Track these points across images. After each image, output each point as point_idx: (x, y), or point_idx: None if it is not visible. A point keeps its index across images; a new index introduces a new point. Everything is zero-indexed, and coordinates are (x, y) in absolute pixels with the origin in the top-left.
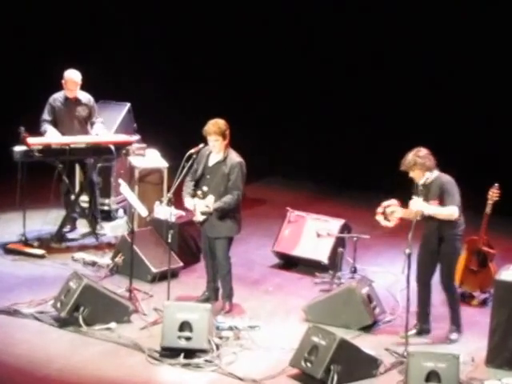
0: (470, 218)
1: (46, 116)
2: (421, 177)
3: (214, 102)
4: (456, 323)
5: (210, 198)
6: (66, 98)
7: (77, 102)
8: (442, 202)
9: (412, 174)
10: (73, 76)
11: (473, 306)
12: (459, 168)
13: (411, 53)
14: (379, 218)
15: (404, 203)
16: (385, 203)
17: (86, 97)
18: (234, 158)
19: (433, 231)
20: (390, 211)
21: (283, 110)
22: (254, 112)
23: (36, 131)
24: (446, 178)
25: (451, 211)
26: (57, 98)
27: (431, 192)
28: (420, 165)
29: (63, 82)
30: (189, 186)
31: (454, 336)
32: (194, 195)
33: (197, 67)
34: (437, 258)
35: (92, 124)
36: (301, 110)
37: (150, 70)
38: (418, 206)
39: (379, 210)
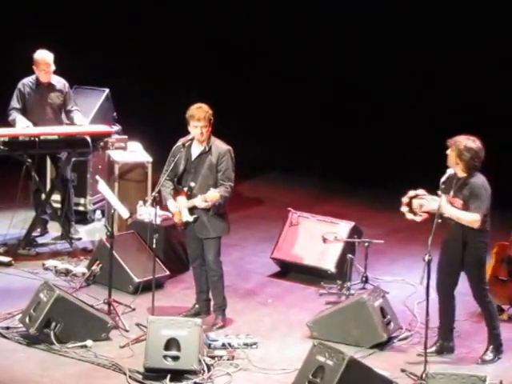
0: (500, 220)
1: (14, 104)
2: (454, 163)
3: (204, 89)
4: (494, 342)
5: (213, 192)
6: (38, 83)
7: (50, 87)
8: (467, 204)
9: (449, 153)
10: (45, 56)
11: (502, 320)
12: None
13: (422, 50)
14: (404, 209)
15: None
16: (411, 193)
17: (60, 82)
18: (221, 145)
19: (454, 236)
20: (418, 204)
21: (283, 95)
22: (248, 98)
23: (3, 121)
24: (480, 181)
25: (472, 218)
26: (27, 82)
27: (460, 189)
28: (462, 156)
29: (34, 64)
30: (168, 186)
31: (487, 356)
32: (175, 195)
33: (185, 51)
34: (459, 267)
35: (68, 113)
36: (305, 98)
37: (131, 52)
38: (439, 203)
39: (404, 199)
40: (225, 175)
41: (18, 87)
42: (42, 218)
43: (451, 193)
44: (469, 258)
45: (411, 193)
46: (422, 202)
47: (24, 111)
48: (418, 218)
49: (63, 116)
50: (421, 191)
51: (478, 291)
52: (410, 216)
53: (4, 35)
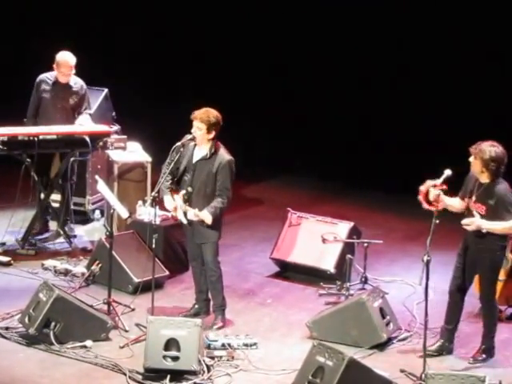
0: None
1: (31, 108)
2: (479, 172)
3: (204, 89)
4: (487, 343)
5: (206, 214)
6: (56, 82)
7: (66, 87)
8: (492, 211)
9: (473, 161)
10: (68, 59)
11: (500, 321)
12: None
13: (416, 53)
14: (420, 198)
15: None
16: (429, 182)
17: (77, 83)
18: (223, 155)
19: (475, 239)
20: (435, 194)
21: (284, 99)
22: (250, 101)
23: (2, 120)
24: (504, 188)
25: (509, 226)
26: (44, 79)
27: (484, 196)
28: (489, 166)
29: (55, 65)
30: (168, 179)
31: (480, 356)
32: (173, 191)
33: (185, 50)
34: (476, 268)
35: (79, 115)
36: (305, 98)
37: (131, 52)
38: (478, 224)
39: (422, 188)
40: (222, 186)
41: (36, 82)
42: (43, 217)
43: (473, 197)
44: (485, 261)
45: (429, 182)
46: (439, 193)
47: (37, 107)
48: (432, 208)
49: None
50: (439, 181)
51: (488, 293)
52: (425, 206)
53: (3, 35)
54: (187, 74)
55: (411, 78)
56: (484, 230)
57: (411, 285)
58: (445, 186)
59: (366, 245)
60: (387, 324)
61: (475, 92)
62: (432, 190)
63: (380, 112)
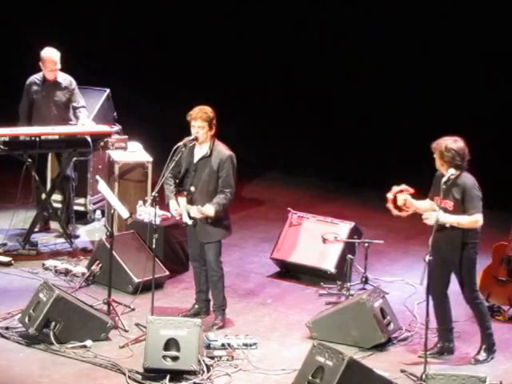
0: (497, 220)
1: (23, 107)
2: (440, 166)
3: (204, 90)
4: (486, 342)
5: (209, 208)
6: (44, 81)
7: (56, 85)
8: (459, 205)
9: (435, 157)
10: (51, 54)
11: (501, 321)
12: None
13: (415, 55)
14: (390, 206)
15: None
16: (395, 188)
17: (66, 79)
18: (223, 151)
19: (445, 238)
20: (403, 199)
21: (284, 99)
22: (250, 101)
23: (3, 120)
24: (470, 181)
25: (474, 220)
26: (33, 80)
27: (451, 191)
28: (444, 158)
29: (41, 62)
30: (171, 183)
31: (481, 356)
32: (176, 194)
33: (184, 51)
34: (450, 268)
35: (74, 109)
36: (304, 100)
37: (131, 53)
38: (439, 218)
39: (389, 196)
40: (225, 182)
41: (25, 85)
42: (43, 215)
43: (441, 194)
44: (458, 258)
45: (395, 188)
46: (406, 198)
47: (30, 109)
48: (403, 214)
49: (71, 113)
50: (404, 186)
51: (469, 292)
52: (395, 212)
53: (3, 35)
54: (187, 73)
55: (411, 78)
56: (448, 225)
57: (412, 285)
58: (412, 190)
59: (366, 245)
60: (388, 324)
61: (476, 92)
62: (399, 195)
63: (380, 112)
